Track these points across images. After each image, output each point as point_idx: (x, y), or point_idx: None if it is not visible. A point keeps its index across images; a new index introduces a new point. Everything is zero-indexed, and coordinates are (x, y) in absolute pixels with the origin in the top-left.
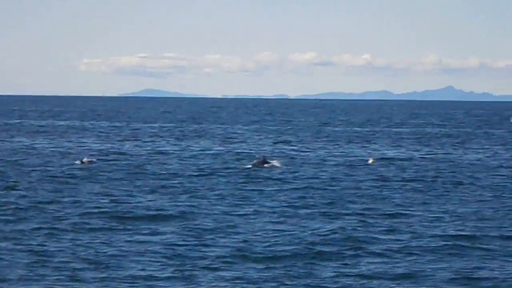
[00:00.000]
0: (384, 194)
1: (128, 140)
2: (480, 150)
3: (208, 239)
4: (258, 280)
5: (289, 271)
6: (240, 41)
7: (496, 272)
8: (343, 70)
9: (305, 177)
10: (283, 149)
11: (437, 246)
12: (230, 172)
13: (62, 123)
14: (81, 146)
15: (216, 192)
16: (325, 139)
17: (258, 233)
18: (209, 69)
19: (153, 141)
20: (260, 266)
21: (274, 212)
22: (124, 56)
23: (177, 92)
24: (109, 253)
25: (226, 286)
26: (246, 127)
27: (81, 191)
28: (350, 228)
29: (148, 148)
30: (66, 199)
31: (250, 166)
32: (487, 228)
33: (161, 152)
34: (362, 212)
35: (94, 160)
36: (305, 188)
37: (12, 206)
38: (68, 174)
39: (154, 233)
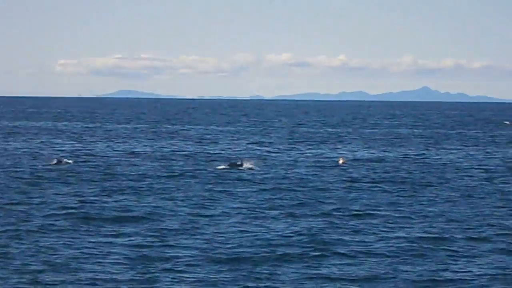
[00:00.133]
0: (352, 195)
1: (100, 141)
2: (453, 151)
3: (172, 240)
4: (220, 282)
5: (251, 273)
6: (216, 42)
7: (459, 274)
8: (319, 71)
9: (275, 178)
10: (256, 150)
11: (401, 248)
12: (200, 174)
13: (35, 124)
14: (53, 147)
15: (185, 194)
16: (298, 140)
17: (223, 235)
18: (185, 70)
19: (125, 142)
20: (223, 268)
21: (240, 214)
22: (99, 57)
23: (153, 92)
24: (72, 255)
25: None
26: (219, 128)
27: (49, 192)
28: (315, 229)
29: (120, 149)
30: (33, 200)
31: (222, 167)
32: (453, 229)
33: (132, 153)
34: (328, 213)
35: (70, 162)
36: (274, 189)
37: None
38: (37, 175)
39: (119, 234)
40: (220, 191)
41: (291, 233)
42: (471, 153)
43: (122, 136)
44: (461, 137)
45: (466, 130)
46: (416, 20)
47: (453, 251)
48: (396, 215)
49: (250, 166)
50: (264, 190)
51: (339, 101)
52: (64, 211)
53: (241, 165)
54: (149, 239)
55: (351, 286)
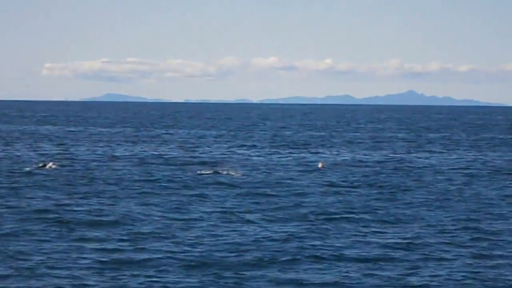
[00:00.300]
0: (328, 200)
1: (81, 145)
2: (434, 155)
3: (143, 244)
4: (187, 287)
5: (220, 277)
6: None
7: (427, 279)
8: (305, 74)
9: (253, 182)
10: (238, 154)
11: (372, 253)
12: (178, 178)
13: (19, 128)
14: (35, 151)
15: (161, 198)
16: (280, 143)
17: (194, 239)
18: (172, 74)
19: (107, 145)
20: (191, 272)
21: (214, 218)
22: (86, 60)
23: (140, 96)
24: (41, 260)
25: None
26: (202, 132)
27: (25, 196)
28: (288, 234)
29: (100, 152)
30: (8, 204)
31: (200, 172)
32: (427, 233)
33: (112, 157)
34: (303, 217)
35: (53, 166)
36: (251, 194)
37: None
38: (15, 180)
39: (90, 239)
40: (196, 195)
41: (263, 237)
42: (452, 156)
43: (104, 140)
44: (444, 141)
45: (450, 133)
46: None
47: (425, 255)
48: (371, 219)
49: (229, 170)
50: (241, 194)
51: (325, 104)
52: (37, 216)
53: (222, 169)
54: (121, 243)
55: None
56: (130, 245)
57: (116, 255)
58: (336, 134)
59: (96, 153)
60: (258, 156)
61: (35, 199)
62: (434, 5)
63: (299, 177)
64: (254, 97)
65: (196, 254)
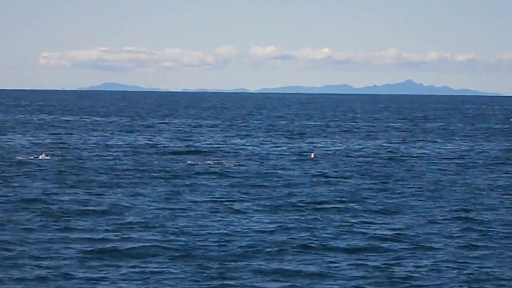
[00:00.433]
0: (318, 190)
1: (75, 134)
2: (429, 144)
3: (128, 234)
4: (170, 276)
5: (204, 268)
6: (200, 35)
7: (411, 269)
8: (303, 64)
9: (244, 172)
10: (232, 143)
11: (360, 243)
12: (169, 167)
13: (14, 117)
14: (28, 141)
15: (151, 187)
16: (275, 133)
17: (181, 229)
18: (169, 63)
19: (101, 135)
20: (175, 262)
21: (203, 208)
22: (84, 49)
23: (137, 85)
24: (25, 250)
25: (138, 281)
26: (197, 122)
27: (13, 185)
28: (274, 224)
29: (93, 142)
30: None
31: (192, 161)
32: (416, 224)
33: (105, 147)
34: (291, 208)
35: (47, 157)
36: (241, 184)
37: None
38: (4, 169)
39: (76, 229)
40: (186, 185)
41: (250, 227)
42: (446, 146)
43: (98, 129)
44: (440, 131)
45: (446, 123)
46: (400, 13)
47: (412, 245)
48: (360, 209)
49: (222, 160)
50: (231, 184)
51: (323, 94)
52: (23, 205)
53: (216, 159)
54: (106, 233)
55: (305, 282)
56: (115, 235)
57: (100, 245)
58: (332, 123)
59: (89, 142)
60: (252, 145)
61: (23, 188)
62: None
63: (292, 166)
64: (252, 87)
65: (182, 244)
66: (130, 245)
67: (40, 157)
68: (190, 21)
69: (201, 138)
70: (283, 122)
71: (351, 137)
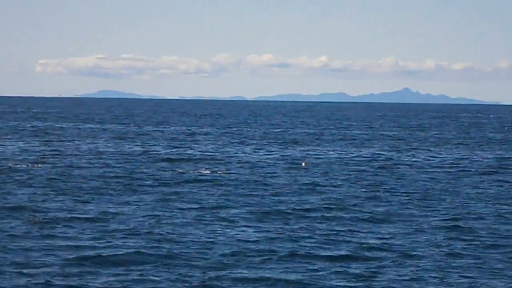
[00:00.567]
0: (306, 198)
1: (68, 141)
2: (421, 152)
3: (113, 241)
4: (151, 284)
5: (186, 276)
6: (197, 43)
7: (392, 278)
8: (300, 72)
9: (234, 180)
10: (225, 151)
11: (342, 252)
12: (159, 175)
13: (8, 124)
14: (20, 148)
15: (138, 195)
16: (269, 141)
17: (165, 236)
18: (166, 70)
19: (92, 142)
20: (158, 270)
21: (189, 216)
22: (81, 57)
23: (134, 93)
24: (6, 259)
25: None
26: (192, 129)
27: (1, 192)
28: (259, 232)
29: (85, 149)
30: None
31: (182, 169)
32: (401, 232)
33: (96, 154)
34: (278, 216)
35: (37, 164)
36: (230, 192)
37: None
38: None
39: (60, 237)
40: (174, 193)
41: (234, 236)
42: (439, 155)
43: (91, 136)
44: (433, 139)
45: (440, 131)
46: (397, 21)
47: (396, 254)
48: (348, 217)
49: (213, 167)
50: (220, 192)
51: (319, 102)
52: (8, 213)
53: (208, 169)
54: (90, 241)
55: None
56: (99, 243)
57: (83, 253)
58: (326, 132)
59: (81, 149)
60: (244, 153)
61: (10, 195)
62: (429, 3)
63: (282, 175)
64: (249, 94)
65: (165, 251)
66: (113, 252)
67: (31, 164)
68: (187, 28)
69: (194, 145)
70: (277, 130)
71: (345, 145)
